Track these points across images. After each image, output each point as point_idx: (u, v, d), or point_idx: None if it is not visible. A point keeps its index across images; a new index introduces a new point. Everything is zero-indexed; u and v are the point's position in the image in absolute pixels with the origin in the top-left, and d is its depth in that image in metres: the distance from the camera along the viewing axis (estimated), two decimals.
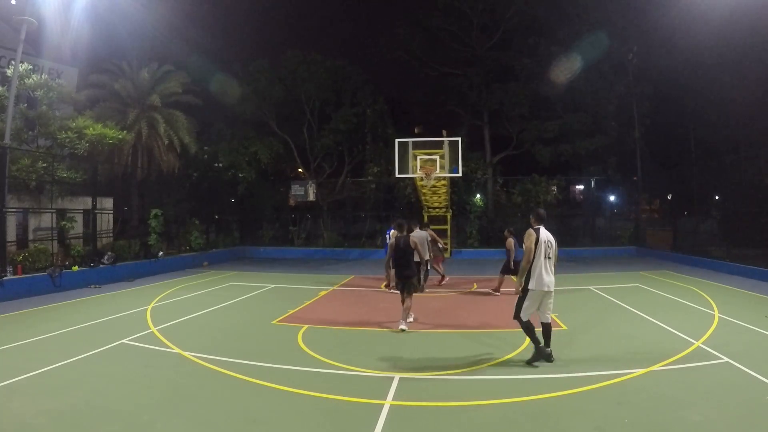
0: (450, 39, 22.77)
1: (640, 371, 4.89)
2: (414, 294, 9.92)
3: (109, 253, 12.50)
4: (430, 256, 10.50)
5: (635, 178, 21.35)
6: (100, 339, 6.27)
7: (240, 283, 11.95)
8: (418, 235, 10.47)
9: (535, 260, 5.21)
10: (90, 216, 12.84)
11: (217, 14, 28.17)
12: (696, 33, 17.15)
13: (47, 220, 11.97)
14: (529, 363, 5.21)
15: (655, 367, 5.01)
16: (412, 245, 7.07)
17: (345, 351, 5.82)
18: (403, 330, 6.58)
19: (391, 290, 9.87)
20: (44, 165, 11.82)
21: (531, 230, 5.36)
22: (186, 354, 5.66)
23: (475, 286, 11.32)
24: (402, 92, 26.33)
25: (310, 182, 21.55)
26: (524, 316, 5.33)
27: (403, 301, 6.97)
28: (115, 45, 17.59)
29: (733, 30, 16.23)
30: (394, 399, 4.25)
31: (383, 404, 4.12)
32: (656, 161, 22.55)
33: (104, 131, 13.42)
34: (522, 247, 5.35)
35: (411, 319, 7.12)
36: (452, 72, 22.90)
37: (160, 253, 14.37)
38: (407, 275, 6.99)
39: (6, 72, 12.74)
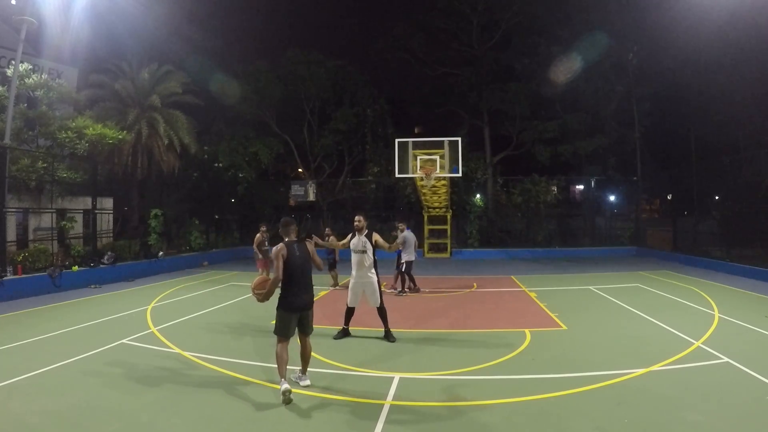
0: (450, 39, 22.80)
1: (640, 371, 4.89)
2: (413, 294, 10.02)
3: (109, 253, 12.50)
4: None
5: (635, 178, 21.36)
6: (100, 339, 6.27)
7: (240, 283, 11.96)
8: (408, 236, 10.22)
9: None
10: (90, 216, 12.85)
11: (217, 14, 28.19)
12: (696, 33, 17.14)
13: (47, 220, 11.98)
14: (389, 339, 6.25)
15: (655, 367, 5.01)
16: (311, 254, 4.58)
17: (345, 351, 5.82)
18: (307, 386, 4.50)
19: (390, 290, 9.88)
20: (44, 165, 11.82)
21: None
22: (186, 354, 5.66)
23: (475, 286, 11.33)
24: (402, 92, 26.28)
25: (310, 182, 21.56)
26: None
27: (303, 345, 4.54)
28: (115, 45, 17.63)
29: (733, 30, 16.22)
30: (394, 399, 4.25)
31: (383, 404, 4.12)
32: (656, 161, 22.56)
33: (104, 131, 13.43)
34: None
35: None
36: (452, 72, 22.92)
37: (160, 253, 14.38)
38: (310, 303, 4.48)
39: (6, 72, 12.76)
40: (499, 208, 22.26)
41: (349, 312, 6.47)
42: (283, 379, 4.25)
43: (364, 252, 6.21)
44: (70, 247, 12.06)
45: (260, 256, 11.07)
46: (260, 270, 11.07)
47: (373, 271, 6.30)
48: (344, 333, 6.48)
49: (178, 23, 20.47)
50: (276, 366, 4.37)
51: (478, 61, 22.40)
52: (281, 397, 4.13)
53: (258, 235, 11.13)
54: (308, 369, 4.67)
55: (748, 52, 16.64)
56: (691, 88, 19.98)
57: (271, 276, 4.48)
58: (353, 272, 6.32)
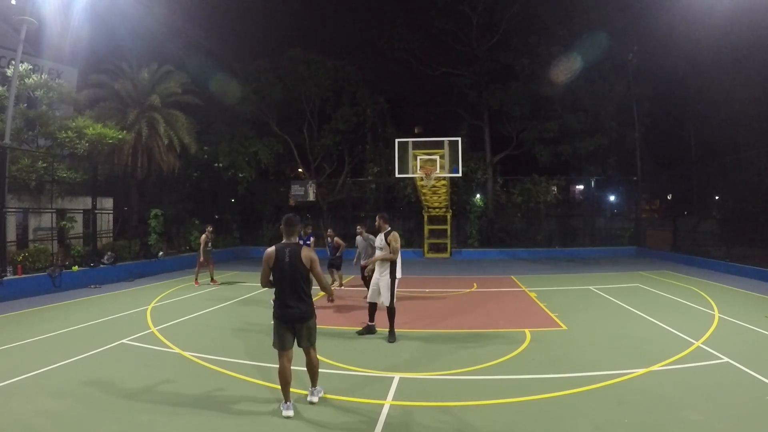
0: (450, 39, 22.78)
1: (640, 371, 4.89)
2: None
3: (109, 253, 12.50)
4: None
5: (635, 178, 21.36)
6: (100, 339, 6.27)
7: (240, 282, 11.95)
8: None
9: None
10: (90, 216, 12.85)
11: (217, 14, 28.19)
12: (696, 33, 17.15)
13: (47, 220, 11.97)
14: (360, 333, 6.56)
15: (655, 367, 5.01)
16: (307, 263, 3.98)
17: (345, 351, 5.82)
18: (312, 402, 4.16)
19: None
20: (44, 165, 11.82)
21: (396, 233, 6.47)
22: (186, 354, 5.66)
23: (475, 286, 11.32)
24: (402, 92, 26.21)
25: (310, 182, 21.55)
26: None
27: (307, 357, 4.15)
28: (115, 45, 17.61)
29: (733, 30, 16.22)
30: (394, 399, 4.25)
31: (383, 404, 4.12)
32: (656, 161, 22.55)
33: (104, 131, 13.43)
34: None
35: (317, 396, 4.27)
36: (452, 72, 22.89)
37: (160, 253, 14.38)
38: (302, 315, 4.00)
39: (6, 72, 12.75)
40: (499, 208, 22.25)
41: (371, 307, 6.66)
42: (287, 403, 3.94)
43: (381, 250, 6.49)
44: (70, 247, 12.06)
45: (201, 256, 11.55)
46: (197, 269, 11.72)
47: (388, 269, 6.40)
48: (368, 329, 6.63)
49: (178, 23, 20.49)
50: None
51: (478, 61, 22.38)
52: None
53: (203, 235, 11.72)
54: None
55: (748, 52, 16.65)
56: (691, 88, 19.97)
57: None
58: (376, 268, 6.61)
